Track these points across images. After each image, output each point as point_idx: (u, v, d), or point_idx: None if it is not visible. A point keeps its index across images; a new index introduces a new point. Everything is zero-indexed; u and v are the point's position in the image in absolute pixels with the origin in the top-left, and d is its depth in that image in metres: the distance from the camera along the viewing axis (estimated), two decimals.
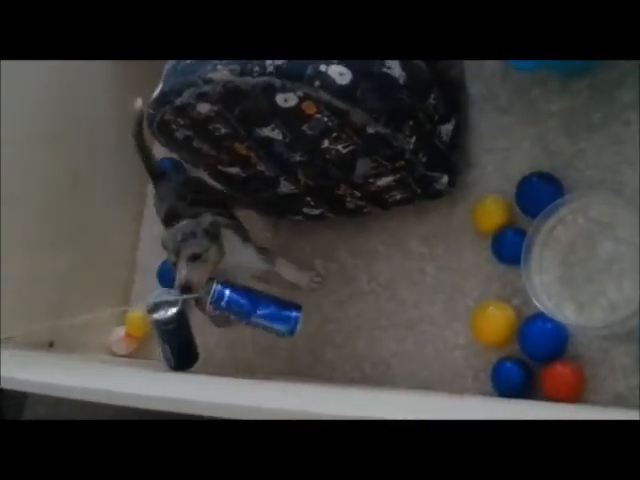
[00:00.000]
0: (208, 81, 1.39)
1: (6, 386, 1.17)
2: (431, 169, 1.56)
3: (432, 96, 1.49)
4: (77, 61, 1.88)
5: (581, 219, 1.47)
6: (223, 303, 1.47)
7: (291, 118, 1.42)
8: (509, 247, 1.54)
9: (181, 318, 1.55)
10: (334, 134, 1.45)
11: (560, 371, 1.44)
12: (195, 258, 1.48)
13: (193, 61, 1.43)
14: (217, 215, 1.59)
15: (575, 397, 1.42)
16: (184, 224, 1.53)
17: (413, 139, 1.46)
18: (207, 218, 1.54)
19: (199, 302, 1.52)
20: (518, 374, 1.47)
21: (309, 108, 1.38)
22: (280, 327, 1.48)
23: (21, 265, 1.81)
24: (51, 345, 1.88)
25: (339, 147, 1.49)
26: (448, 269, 1.66)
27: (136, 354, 2.08)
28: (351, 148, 1.49)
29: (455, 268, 1.65)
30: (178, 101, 1.45)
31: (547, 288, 1.46)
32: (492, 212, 1.57)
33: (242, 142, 1.55)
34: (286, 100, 1.37)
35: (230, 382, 1.54)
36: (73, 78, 1.94)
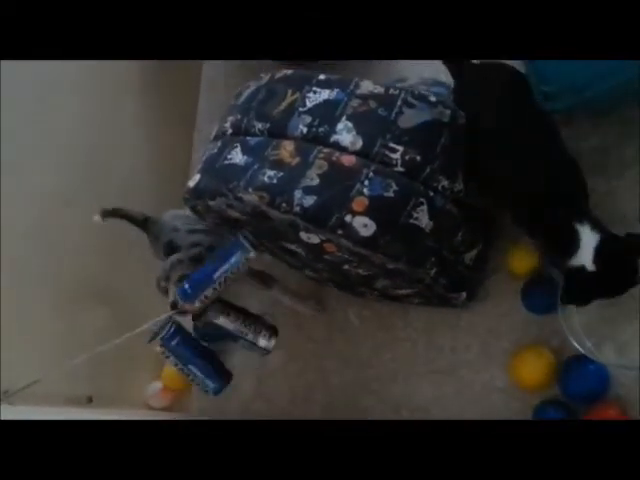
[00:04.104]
0: (238, 199, 1.44)
1: None
2: (451, 290, 1.55)
3: (460, 234, 1.49)
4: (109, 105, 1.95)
5: None
6: (173, 343, 1.52)
7: (313, 249, 1.47)
8: (538, 298, 1.56)
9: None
10: (354, 264, 1.49)
11: (603, 414, 1.41)
12: (184, 279, 1.54)
13: (228, 164, 1.49)
14: (214, 242, 1.68)
15: None
16: (173, 256, 1.63)
17: (434, 270, 1.47)
18: (194, 249, 1.64)
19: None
20: (560, 418, 1.44)
21: (330, 247, 1.43)
22: (209, 382, 1.54)
23: (59, 323, 1.84)
24: (90, 400, 1.89)
25: (359, 271, 1.53)
26: (483, 312, 1.65)
27: (173, 407, 2.08)
28: (370, 273, 1.53)
29: (490, 311, 1.64)
30: (210, 203, 1.52)
31: (586, 328, 1.44)
32: (526, 254, 1.56)
33: (269, 242, 1.63)
34: (309, 238, 1.42)
35: None
36: (104, 126, 2.01)
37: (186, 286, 1.50)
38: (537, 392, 1.52)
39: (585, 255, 1.26)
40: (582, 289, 1.30)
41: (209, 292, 1.50)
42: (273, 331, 1.58)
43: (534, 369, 1.51)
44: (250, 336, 1.57)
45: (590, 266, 1.26)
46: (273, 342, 1.58)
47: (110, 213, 1.78)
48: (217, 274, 1.49)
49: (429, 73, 1.59)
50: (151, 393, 2.06)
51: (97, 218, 1.75)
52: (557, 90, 1.41)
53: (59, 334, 1.82)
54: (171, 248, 1.69)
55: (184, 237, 1.71)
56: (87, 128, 1.96)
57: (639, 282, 1.28)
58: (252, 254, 1.49)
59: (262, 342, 1.57)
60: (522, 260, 1.57)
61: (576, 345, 1.42)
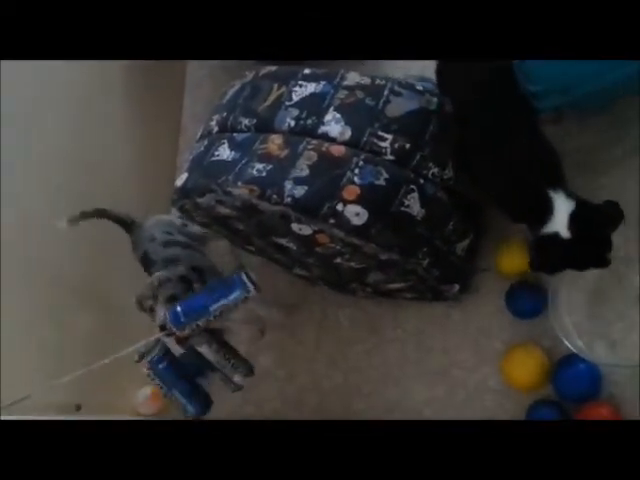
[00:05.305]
0: (228, 193, 1.43)
1: None
2: (443, 282, 1.55)
3: (451, 223, 1.48)
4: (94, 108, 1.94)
5: None
6: (160, 366, 1.58)
7: (305, 241, 1.46)
8: (523, 303, 1.56)
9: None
10: (346, 256, 1.48)
11: (596, 412, 1.40)
12: (173, 299, 1.55)
13: (217, 160, 1.49)
14: (191, 257, 1.69)
15: None
16: (159, 273, 1.61)
17: (426, 260, 1.46)
18: (180, 269, 1.63)
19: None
20: (553, 417, 1.43)
21: (322, 238, 1.42)
22: (190, 407, 1.61)
23: (46, 328, 1.81)
24: (78, 408, 1.87)
25: (351, 264, 1.52)
26: (474, 312, 1.64)
27: (162, 414, 2.06)
28: (363, 265, 1.52)
29: (481, 311, 1.63)
30: (199, 200, 1.51)
31: (577, 327, 1.43)
32: (516, 254, 1.54)
33: (258, 239, 1.61)
34: (300, 229, 1.41)
35: None
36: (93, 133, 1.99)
37: (179, 310, 1.50)
38: (530, 392, 1.51)
39: (560, 221, 1.25)
40: (554, 256, 1.29)
41: (202, 322, 1.51)
42: (249, 370, 1.62)
43: (526, 369, 1.49)
44: (227, 370, 1.60)
45: (565, 233, 1.25)
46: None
47: (89, 215, 1.74)
48: (214, 307, 1.50)
49: (415, 70, 1.59)
50: (141, 400, 2.04)
51: (61, 224, 1.69)
52: (544, 90, 1.41)
53: (45, 339, 1.80)
54: (145, 262, 1.69)
55: (158, 250, 1.69)
56: (72, 130, 1.95)
57: (609, 263, 1.26)
58: (252, 294, 1.50)
59: (237, 378, 1.62)
60: (512, 259, 1.55)
61: (568, 344, 1.41)
